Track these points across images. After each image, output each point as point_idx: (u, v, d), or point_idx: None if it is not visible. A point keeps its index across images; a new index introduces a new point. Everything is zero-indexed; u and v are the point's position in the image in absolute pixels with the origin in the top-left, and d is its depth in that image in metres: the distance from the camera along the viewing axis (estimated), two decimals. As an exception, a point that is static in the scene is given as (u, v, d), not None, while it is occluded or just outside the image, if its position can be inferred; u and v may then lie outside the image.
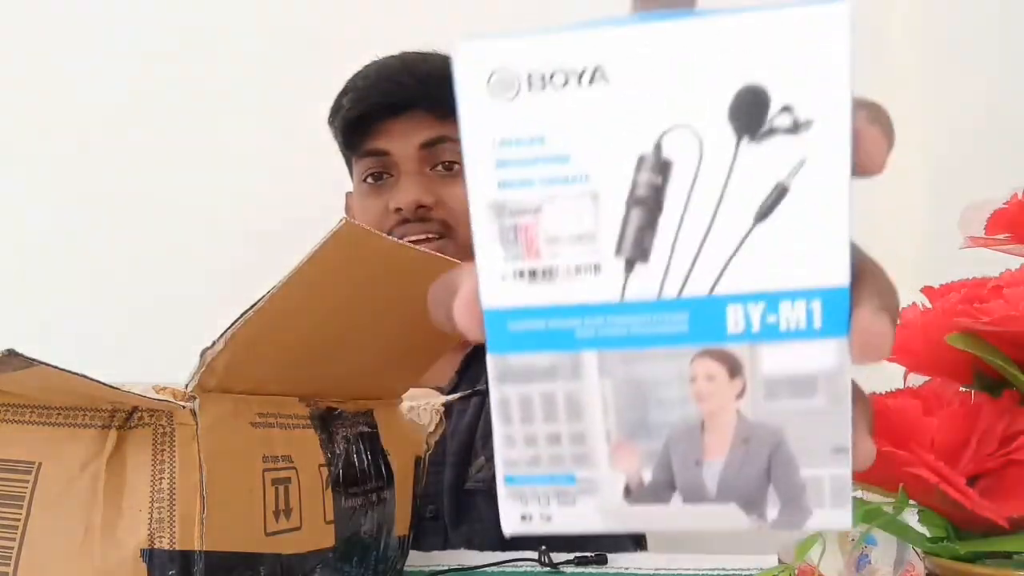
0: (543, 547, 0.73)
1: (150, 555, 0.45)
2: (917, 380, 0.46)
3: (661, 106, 0.23)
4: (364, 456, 0.60)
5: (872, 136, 0.23)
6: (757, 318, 0.24)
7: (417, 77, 0.98)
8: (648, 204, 0.23)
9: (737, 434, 0.25)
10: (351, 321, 0.53)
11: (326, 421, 0.57)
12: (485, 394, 0.28)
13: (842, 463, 0.24)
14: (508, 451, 0.26)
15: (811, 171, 0.23)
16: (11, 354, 0.40)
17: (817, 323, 0.23)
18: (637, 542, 0.97)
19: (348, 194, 1.09)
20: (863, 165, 0.23)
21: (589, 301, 0.24)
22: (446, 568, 0.71)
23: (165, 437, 0.47)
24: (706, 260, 0.24)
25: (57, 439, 0.47)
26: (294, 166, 1.44)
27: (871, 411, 0.25)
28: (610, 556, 0.74)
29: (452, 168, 0.99)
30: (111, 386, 0.44)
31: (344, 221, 0.45)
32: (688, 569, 0.70)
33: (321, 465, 0.56)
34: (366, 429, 0.61)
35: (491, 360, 0.25)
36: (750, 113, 0.23)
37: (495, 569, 0.72)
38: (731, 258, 0.23)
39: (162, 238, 1.54)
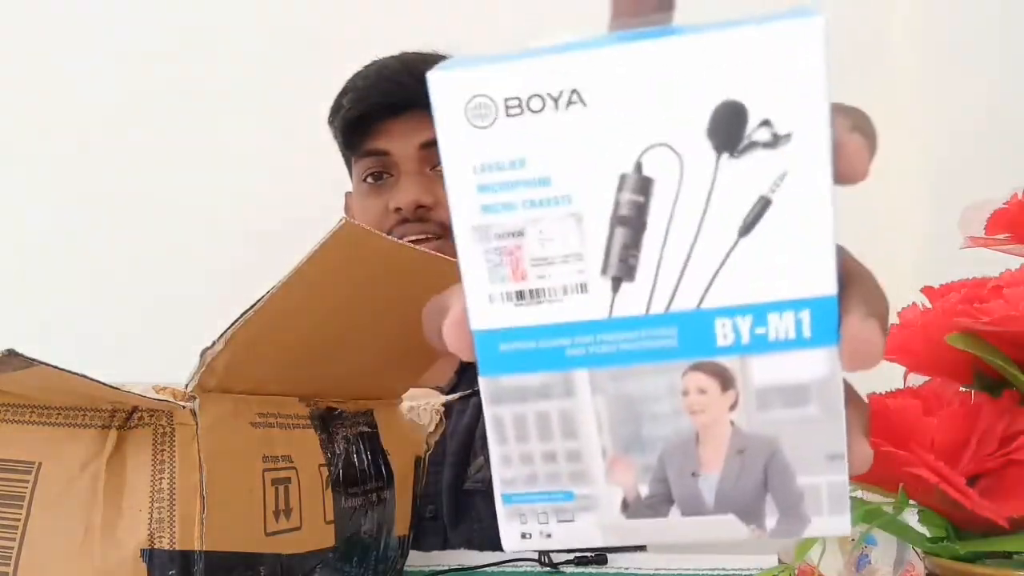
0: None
1: (150, 555, 0.45)
2: (917, 380, 0.46)
3: (640, 125, 0.23)
4: (364, 456, 0.60)
5: (853, 144, 0.23)
6: (746, 330, 0.24)
7: (417, 77, 0.98)
8: (632, 222, 0.24)
9: (732, 445, 0.25)
10: (351, 321, 0.53)
11: (326, 421, 0.57)
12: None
13: (838, 470, 0.24)
14: (505, 470, 0.26)
15: (793, 183, 0.23)
16: (11, 354, 0.40)
17: (806, 333, 0.23)
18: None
19: (348, 194, 1.09)
20: (845, 174, 0.23)
21: (578, 320, 0.24)
22: (446, 568, 0.71)
23: (165, 437, 0.47)
24: (692, 275, 0.24)
25: (57, 439, 0.47)
26: (294, 166, 1.44)
27: (867, 414, 0.25)
28: (610, 556, 0.74)
29: None
30: (111, 386, 0.44)
31: (344, 221, 0.45)
32: (688, 569, 0.70)
33: (321, 465, 0.56)
34: (366, 429, 0.61)
35: (483, 382, 0.25)
36: (729, 129, 0.23)
37: (495, 569, 0.72)
38: (717, 272, 0.24)
39: (162, 238, 1.54)
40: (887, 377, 0.45)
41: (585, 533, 0.26)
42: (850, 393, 0.24)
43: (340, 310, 0.52)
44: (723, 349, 0.24)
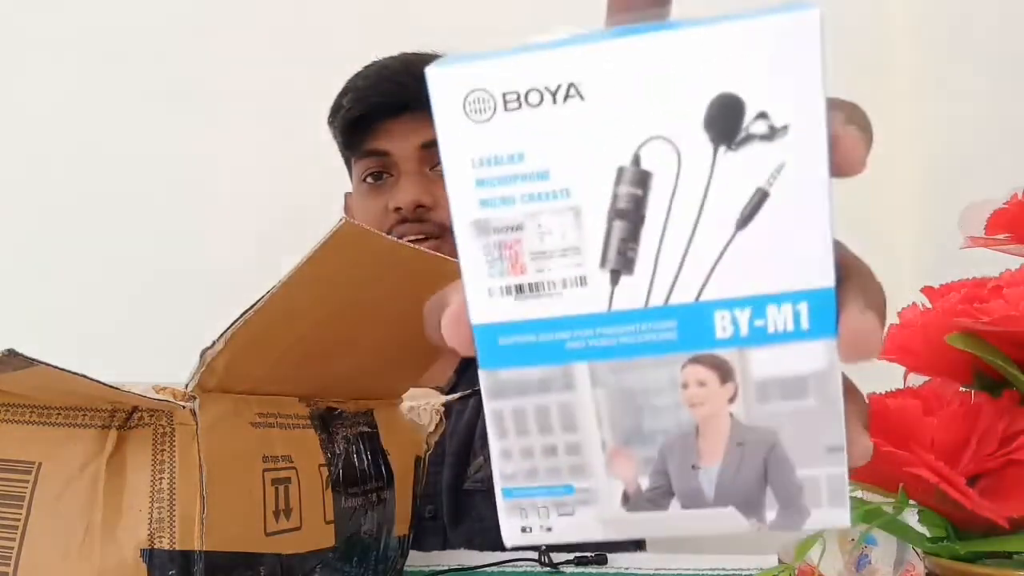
0: (543, 547, 0.73)
1: (150, 555, 0.45)
2: (917, 380, 0.46)
3: (637, 119, 0.23)
4: (364, 456, 0.60)
5: (849, 137, 0.23)
6: (745, 323, 0.24)
7: (417, 77, 0.96)
8: (630, 216, 0.24)
9: (731, 438, 0.25)
10: (351, 321, 0.53)
11: (326, 421, 0.57)
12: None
13: (838, 462, 0.24)
14: (505, 465, 0.26)
15: (790, 175, 0.23)
16: (11, 354, 0.40)
17: (805, 325, 0.24)
18: (637, 542, 0.97)
19: (348, 194, 1.09)
20: (842, 166, 0.23)
21: (577, 313, 0.24)
22: (446, 568, 0.71)
23: (165, 437, 0.47)
24: (691, 268, 0.24)
25: (57, 439, 0.47)
26: (294, 166, 1.44)
27: (866, 407, 0.25)
28: (610, 556, 0.74)
29: None
30: (111, 386, 0.44)
31: (344, 221, 0.45)
32: (688, 569, 0.70)
33: (321, 465, 0.56)
34: (366, 429, 0.61)
35: (483, 376, 0.25)
36: (726, 121, 0.23)
37: (495, 569, 0.72)
38: (715, 265, 0.24)
39: (162, 238, 1.54)
40: (887, 377, 0.45)
41: (585, 527, 0.26)
42: (849, 386, 0.25)
43: (340, 310, 0.52)
44: (722, 341, 0.24)
